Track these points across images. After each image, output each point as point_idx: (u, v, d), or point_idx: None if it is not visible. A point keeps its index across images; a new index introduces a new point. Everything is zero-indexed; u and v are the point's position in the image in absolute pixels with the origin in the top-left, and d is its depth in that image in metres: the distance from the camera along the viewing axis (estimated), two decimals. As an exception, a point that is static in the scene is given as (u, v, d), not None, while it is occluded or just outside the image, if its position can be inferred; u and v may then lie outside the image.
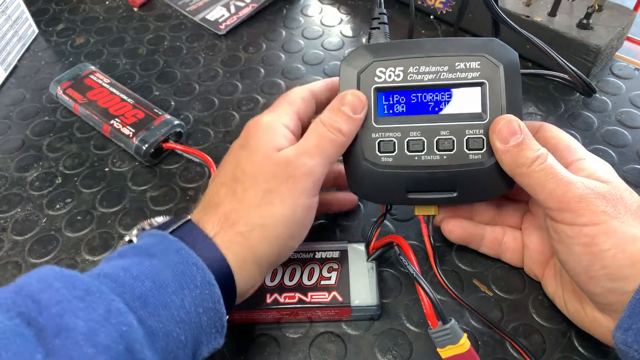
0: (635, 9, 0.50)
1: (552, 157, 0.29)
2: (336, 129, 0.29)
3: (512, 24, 0.33)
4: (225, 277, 0.27)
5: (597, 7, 0.48)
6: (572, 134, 0.38)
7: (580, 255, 0.27)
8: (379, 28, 0.33)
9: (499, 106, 0.30)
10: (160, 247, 0.26)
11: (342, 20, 0.60)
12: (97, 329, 0.21)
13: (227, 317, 0.27)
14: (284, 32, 0.59)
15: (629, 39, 0.53)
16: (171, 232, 0.27)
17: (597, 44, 0.46)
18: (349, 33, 0.58)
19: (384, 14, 0.34)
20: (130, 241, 0.28)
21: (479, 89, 0.30)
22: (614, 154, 0.43)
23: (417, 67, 0.30)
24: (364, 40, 0.57)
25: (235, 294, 0.28)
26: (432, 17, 0.58)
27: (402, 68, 0.31)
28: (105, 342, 0.21)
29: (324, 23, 0.60)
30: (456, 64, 0.30)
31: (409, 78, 0.31)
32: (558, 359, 0.32)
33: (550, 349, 0.32)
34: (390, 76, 0.31)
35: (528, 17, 0.49)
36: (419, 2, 0.57)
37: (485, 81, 0.30)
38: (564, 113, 0.47)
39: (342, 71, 0.31)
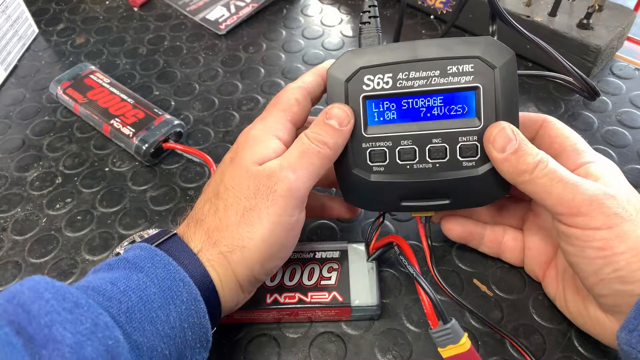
0: (636, 9, 0.50)
1: (553, 161, 0.28)
2: (321, 141, 0.29)
3: (517, 25, 0.32)
4: (210, 293, 0.27)
5: (597, 7, 0.48)
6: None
7: (592, 258, 0.27)
8: (369, 22, 0.31)
9: (493, 111, 0.29)
10: (148, 261, 0.26)
11: (342, 20, 0.60)
12: (83, 342, 0.21)
13: (213, 331, 0.27)
14: (284, 32, 0.59)
15: (629, 39, 0.53)
16: (158, 245, 0.27)
17: (598, 44, 0.46)
18: (349, 33, 0.58)
19: (374, 6, 0.32)
20: (119, 254, 0.28)
21: (472, 93, 0.29)
22: (614, 154, 0.43)
23: (407, 73, 0.29)
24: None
25: (220, 309, 0.28)
26: (432, 17, 0.58)
27: (391, 75, 0.29)
28: (91, 356, 0.21)
29: (324, 23, 0.60)
30: (448, 68, 0.29)
31: (398, 85, 0.29)
32: (558, 359, 0.32)
33: (551, 349, 0.32)
34: (379, 84, 0.29)
35: (528, 17, 0.49)
36: (419, 2, 0.57)
37: (479, 85, 0.29)
38: (564, 113, 0.47)
39: (329, 80, 0.30)
